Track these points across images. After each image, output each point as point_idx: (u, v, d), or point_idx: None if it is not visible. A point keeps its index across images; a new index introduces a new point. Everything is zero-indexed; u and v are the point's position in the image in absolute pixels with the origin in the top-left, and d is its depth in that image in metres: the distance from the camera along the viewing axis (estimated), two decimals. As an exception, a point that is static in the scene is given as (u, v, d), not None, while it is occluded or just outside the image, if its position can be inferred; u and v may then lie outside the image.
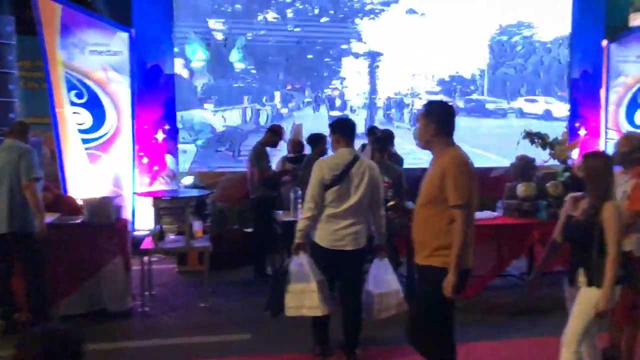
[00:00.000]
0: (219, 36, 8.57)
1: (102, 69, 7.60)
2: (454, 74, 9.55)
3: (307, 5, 8.82)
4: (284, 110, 8.86)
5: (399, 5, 9.13)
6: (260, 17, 8.65)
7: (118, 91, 7.66)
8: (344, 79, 9.10)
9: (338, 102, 9.01)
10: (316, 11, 8.86)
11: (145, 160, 8.10)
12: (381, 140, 5.78)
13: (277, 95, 8.80)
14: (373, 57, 9.13)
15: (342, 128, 4.27)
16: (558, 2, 9.63)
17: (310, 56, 8.90)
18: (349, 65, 9.08)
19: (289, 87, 8.85)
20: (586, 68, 9.62)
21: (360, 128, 8.41)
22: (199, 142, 8.57)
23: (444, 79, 9.54)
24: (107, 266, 5.18)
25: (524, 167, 6.43)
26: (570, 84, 9.67)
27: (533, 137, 6.47)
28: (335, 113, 8.87)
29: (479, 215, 6.28)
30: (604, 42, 9.46)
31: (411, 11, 9.18)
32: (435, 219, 3.23)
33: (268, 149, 6.72)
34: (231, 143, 8.61)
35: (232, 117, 8.65)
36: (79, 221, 5.31)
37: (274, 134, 6.64)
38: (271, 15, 8.70)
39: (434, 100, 3.88)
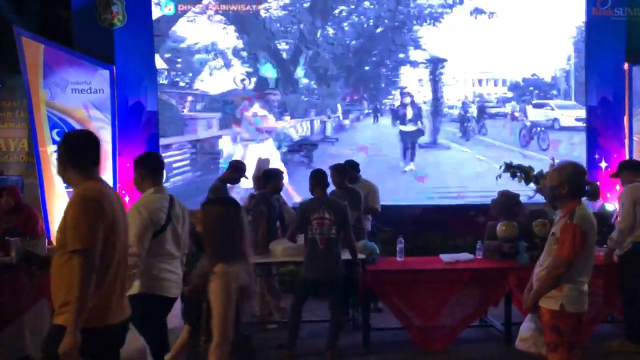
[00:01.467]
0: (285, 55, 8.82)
1: (84, 107, 7.57)
2: (528, 77, 9.09)
3: (362, 17, 8.84)
4: (346, 122, 8.88)
5: (463, 6, 8.80)
6: (319, 33, 8.77)
7: (100, 129, 7.58)
8: (405, 88, 8.91)
9: (409, 112, 8.87)
10: (371, 22, 8.85)
11: (127, 198, 7.95)
12: (316, 176, 5.28)
13: (339, 107, 8.87)
14: (435, 63, 8.88)
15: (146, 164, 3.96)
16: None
17: (367, 67, 8.91)
18: (409, 74, 8.91)
19: (347, 100, 8.87)
20: (605, 94, 8.83)
21: (425, 138, 8.79)
22: (283, 149, 8.73)
23: (518, 83, 9.10)
24: (31, 310, 4.93)
25: (506, 204, 5.86)
26: (587, 111, 8.89)
27: (514, 170, 5.86)
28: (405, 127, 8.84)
29: (454, 257, 5.77)
30: (626, 65, 8.67)
31: (478, 11, 8.80)
32: (65, 268, 2.71)
33: (229, 185, 6.38)
34: (307, 150, 8.72)
35: (303, 128, 8.83)
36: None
37: (235, 170, 6.31)
38: (330, 32, 8.82)
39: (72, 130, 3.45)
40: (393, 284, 5.43)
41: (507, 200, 5.84)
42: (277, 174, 6.18)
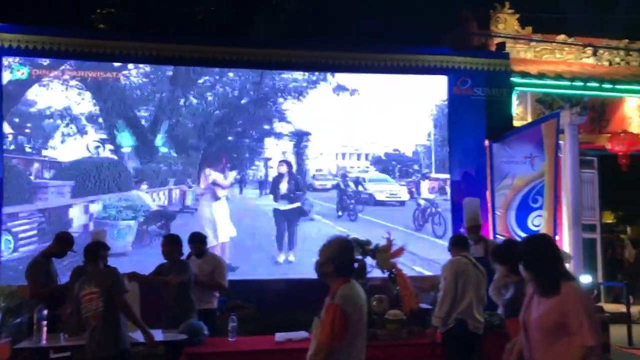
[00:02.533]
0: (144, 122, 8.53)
1: None
2: (390, 152, 9.19)
3: (227, 88, 8.73)
4: (205, 192, 8.52)
5: (327, 82, 8.89)
6: (182, 102, 8.55)
7: None
8: (269, 159, 8.79)
9: (284, 185, 8.70)
10: (236, 93, 8.75)
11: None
12: (90, 250, 4.85)
13: (199, 176, 8.56)
14: (299, 136, 8.83)
15: None
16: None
17: (230, 138, 8.73)
18: (272, 146, 8.82)
19: (208, 170, 8.55)
20: (468, 169, 9.04)
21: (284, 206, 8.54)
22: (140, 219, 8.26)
23: (380, 157, 9.16)
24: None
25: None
26: (451, 186, 9.04)
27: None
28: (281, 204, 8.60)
29: (287, 336, 5.44)
30: (486, 142, 8.97)
31: (341, 88, 8.91)
32: None
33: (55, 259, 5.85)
34: (164, 221, 8.29)
35: (161, 197, 8.45)
36: None
37: (60, 242, 5.82)
38: (194, 101, 8.62)
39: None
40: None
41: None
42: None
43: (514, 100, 11.07)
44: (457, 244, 5.31)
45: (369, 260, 5.75)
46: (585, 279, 8.48)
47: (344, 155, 9.03)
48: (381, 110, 8.87)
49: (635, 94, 11.15)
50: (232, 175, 8.62)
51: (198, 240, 6.19)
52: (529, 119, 11.39)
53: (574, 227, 10.06)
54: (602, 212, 14.30)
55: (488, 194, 8.92)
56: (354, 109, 8.82)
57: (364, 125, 8.94)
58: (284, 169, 8.69)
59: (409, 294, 5.60)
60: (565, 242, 10.19)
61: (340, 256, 3.17)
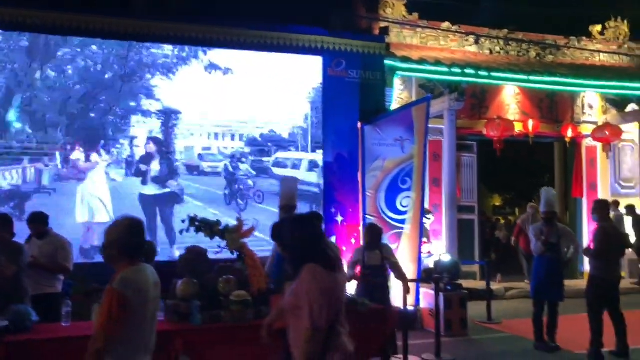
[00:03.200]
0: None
1: None
2: (266, 133, 9.01)
3: (89, 61, 8.19)
4: (65, 171, 8.05)
5: (199, 60, 8.57)
6: (38, 75, 7.91)
7: None
8: (135, 137, 8.31)
9: (154, 166, 8.33)
10: (99, 67, 8.22)
11: None
12: None
13: (58, 155, 8.01)
14: (168, 114, 8.43)
15: None
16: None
17: (93, 114, 8.20)
18: (139, 123, 8.37)
19: (69, 148, 8.06)
20: (341, 151, 9.10)
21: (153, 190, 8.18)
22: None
23: (255, 138, 8.94)
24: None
25: (191, 260, 5.48)
26: (324, 168, 9.08)
27: (200, 224, 5.54)
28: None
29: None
30: (359, 125, 9.04)
31: (213, 66, 8.62)
32: None
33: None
34: (18, 201, 7.73)
35: (14, 176, 7.83)
36: None
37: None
38: (52, 74, 8.03)
39: None
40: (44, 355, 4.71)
41: (192, 256, 5.47)
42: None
43: (399, 85, 11.31)
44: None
45: (219, 241, 5.63)
46: (446, 258, 8.75)
47: (217, 135, 8.81)
48: (256, 90, 8.75)
49: (510, 82, 11.63)
50: (95, 154, 8.20)
51: (38, 220, 5.83)
52: (413, 105, 11.63)
53: (450, 209, 10.39)
54: (483, 195, 14.97)
55: (359, 175, 9.03)
56: (227, 89, 8.64)
57: (239, 106, 8.79)
58: (152, 147, 8.35)
59: (258, 274, 5.52)
60: (443, 223, 10.55)
61: (125, 238, 3.00)
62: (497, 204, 28.40)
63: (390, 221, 8.76)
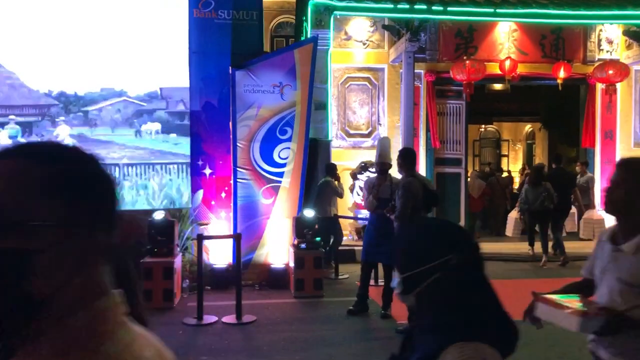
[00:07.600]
0: None
1: None
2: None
3: None
4: None
5: None
6: None
7: None
8: None
9: None
10: None
11: None
12: None
13: None
14: None
15: None
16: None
17: None
18: None
19: None
20: (210, 99, 8.37)
21: None
22: None
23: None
24: None
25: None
26: (191, 117, 8.33)
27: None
28: None
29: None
30: (230, 70, 8.31)
31: None
32: None
33: None
34: None
35: None
36: None
37: None
38: None
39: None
40: None
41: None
42: None
43: (368, 27, 10.48)
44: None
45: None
46: (308, 214, 8.03)
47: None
48: (116, 35, 7.73)
49: (473, 17, 10.19)
50: None
51: None
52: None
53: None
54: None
55: (230, 124, 8.38)
56: (84, 32, 7.55)
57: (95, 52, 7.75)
58: None
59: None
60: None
61: None
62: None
63: (265, 174, 8.26)
